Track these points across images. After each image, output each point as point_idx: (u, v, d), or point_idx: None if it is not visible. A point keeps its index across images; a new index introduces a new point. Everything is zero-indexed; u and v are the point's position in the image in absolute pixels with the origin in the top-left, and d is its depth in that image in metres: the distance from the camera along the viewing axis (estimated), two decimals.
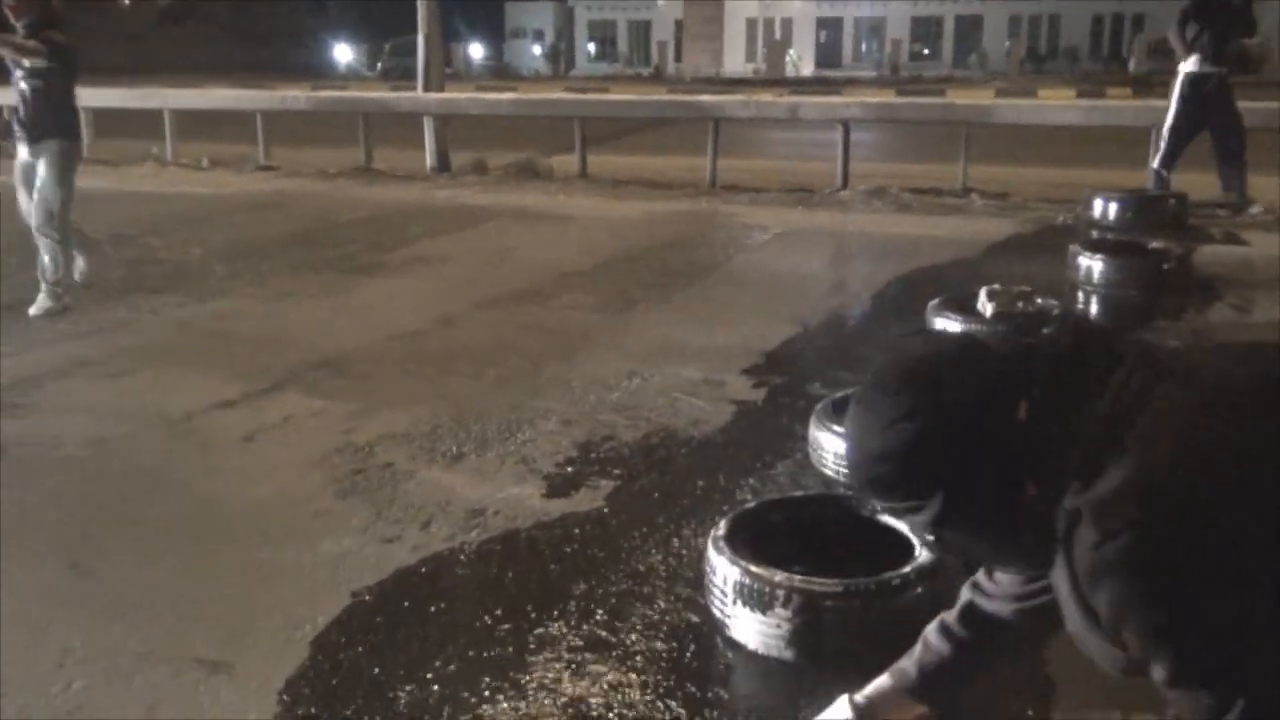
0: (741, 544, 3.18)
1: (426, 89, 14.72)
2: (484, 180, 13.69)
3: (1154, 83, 23.96)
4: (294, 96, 16.06)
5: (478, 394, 5.37)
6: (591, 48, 52.82)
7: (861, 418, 1.81)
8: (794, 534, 3.36)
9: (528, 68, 55.51)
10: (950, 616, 2.32)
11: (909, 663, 2.36)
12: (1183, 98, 9.89)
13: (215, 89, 19.59)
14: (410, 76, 17.51)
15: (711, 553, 3.16)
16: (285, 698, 2.92)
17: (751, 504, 3.51)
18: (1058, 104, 15.96)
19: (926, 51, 49.10)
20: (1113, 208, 8.91)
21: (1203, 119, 9.90)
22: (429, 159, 14.53)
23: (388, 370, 5.85)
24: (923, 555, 3.07)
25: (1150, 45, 36.76)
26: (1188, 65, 9.80)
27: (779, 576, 2.99)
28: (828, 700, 2.52)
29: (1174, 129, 9.96)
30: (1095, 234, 8.21)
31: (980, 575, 2.26)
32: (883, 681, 2.40)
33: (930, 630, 2.36)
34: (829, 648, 2.94)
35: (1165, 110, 10.17)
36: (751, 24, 49.40)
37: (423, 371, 5.80)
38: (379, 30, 47.37)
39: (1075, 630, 1.72)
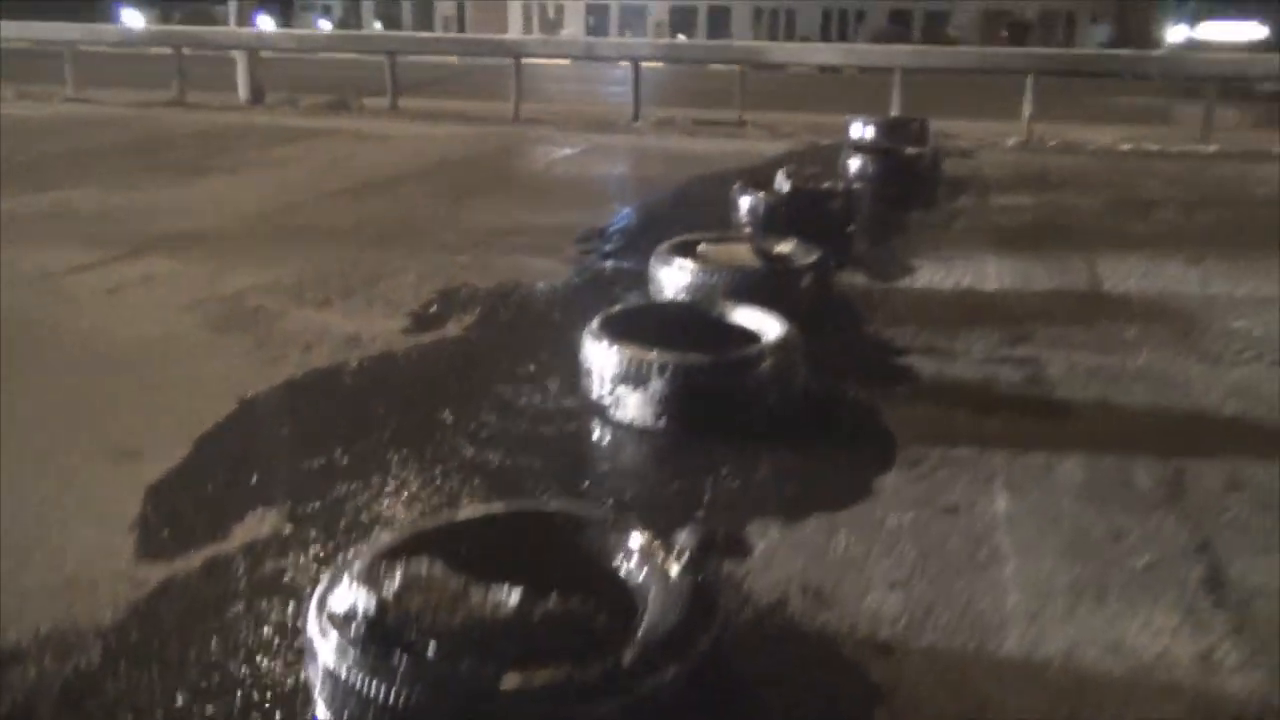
0: (613, 338, 3.21)
1: (239, 24, 13.74)
2: (299, 111, 12.95)
3: None
4: (103, 29, 14.62)
5: (334, 257, 5.15)
6: (379, 24, 50.94)
7: None
8: (655, 332, 3.40)
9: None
10: None
11: None
12: None
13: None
14: None
15: (590, 342, 3.17)
16: (189, 470, 2.78)
17: (618, 307, 3.54)
18: (816, 46, 16.55)
19: (682, 36, 50.09)
20: (869, 128, 9.17)
21: None
22: (242, 92, 13.58)
23: (241, 241, 5.52)
24: (771, 339, 3.20)
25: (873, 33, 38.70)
26: None
27: (653, 354, 3.04)
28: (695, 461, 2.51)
29: None
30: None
31: None
32: None
33: None
34: (698, 415, 3.02)
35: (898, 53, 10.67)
36: (527, 8, 49.79)
37: (277, 241, 5.52)
38: None
39: None
